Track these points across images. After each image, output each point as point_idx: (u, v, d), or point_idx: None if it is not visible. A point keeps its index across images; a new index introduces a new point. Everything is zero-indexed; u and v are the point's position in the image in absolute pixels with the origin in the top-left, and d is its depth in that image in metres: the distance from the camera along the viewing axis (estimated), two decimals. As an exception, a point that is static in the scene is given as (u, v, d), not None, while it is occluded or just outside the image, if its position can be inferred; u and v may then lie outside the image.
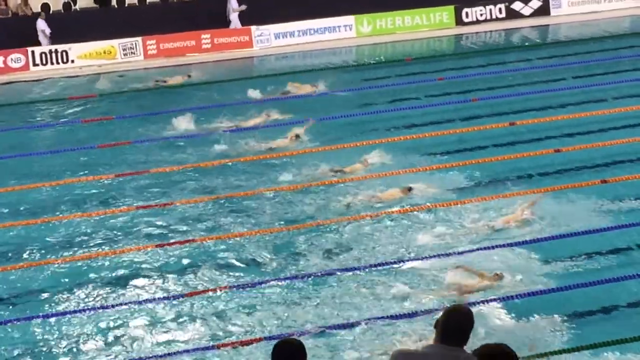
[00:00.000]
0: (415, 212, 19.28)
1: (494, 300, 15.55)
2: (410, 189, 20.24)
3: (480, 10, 36.50)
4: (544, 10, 36.90)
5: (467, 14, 36.39)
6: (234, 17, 35.82)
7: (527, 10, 36.81)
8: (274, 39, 35.01)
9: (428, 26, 36.02)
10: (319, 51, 34.19)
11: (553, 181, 21.13)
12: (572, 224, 18.40)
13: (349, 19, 35.48)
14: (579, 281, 15.97)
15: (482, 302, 15.44)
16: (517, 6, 36.73)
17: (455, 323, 8.34)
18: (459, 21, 36.29)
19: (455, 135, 24.51)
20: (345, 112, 26.43)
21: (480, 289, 15.78)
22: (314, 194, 20.74)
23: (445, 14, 36.21)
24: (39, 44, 34.64)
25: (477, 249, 17.38)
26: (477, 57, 32.24)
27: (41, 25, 34.67)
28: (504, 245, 17.48)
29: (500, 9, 36.62)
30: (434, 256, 17.24)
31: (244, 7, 35.67)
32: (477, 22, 36.47)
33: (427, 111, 26.41)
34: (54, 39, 34.63)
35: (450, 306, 8.64)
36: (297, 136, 24.05)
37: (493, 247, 17.47)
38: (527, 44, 34.21)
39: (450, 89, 28.58)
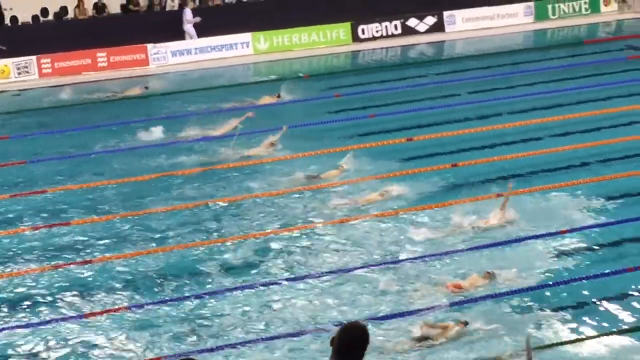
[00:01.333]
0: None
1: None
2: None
3: (377, 27, 36.79)
4: (438, 27, 37.37)
5: (363, 30, 36.65)
6: (188, 28, 35.89)
7: (422, 27, 37.23)
8: (170, 57, 34.82)
9: (325, 43, 36.19)
10: (216, 69, 34.05)
11: (449, 196, 21.43)
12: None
13: (246, 36, 35.47)
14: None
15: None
16: (412, 23, 37.13)
17: (350, 340, 8.45)
18: (356, 38, 36.54)
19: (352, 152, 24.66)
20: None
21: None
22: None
23: (342, 30, 36.42)
24: None
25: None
26: (374, 74, 32.47)
27: None
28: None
29: (395, 26, 36.97)
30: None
31: (198, 18, 35.67)
32: (374, 38, 36.76)
33: (323, 127, 26.49)
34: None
35: (345, 323, 8.72)
36: (272, 144, 24.41)
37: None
38: (423, 60, 34.59)
39: (347, 106, 28.75)
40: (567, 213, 20.06)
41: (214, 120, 27.38)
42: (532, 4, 38.41)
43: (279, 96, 29.07)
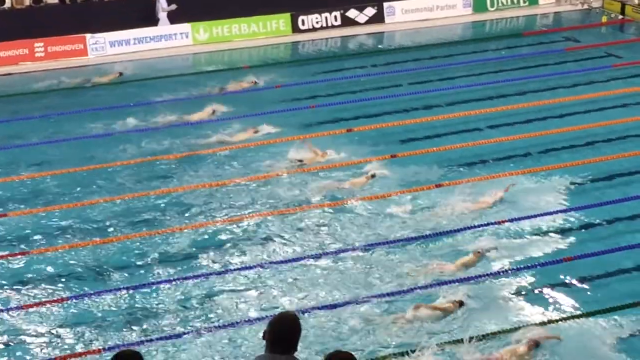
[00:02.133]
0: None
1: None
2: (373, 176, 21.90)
3: (316, 18, 36.70)
4: (378, 18, 37.36)
5: (303, 21, 36.53)
6: (162, 16, 35.53)
7: (362, 18, 37.20)
8: (109, 47, 34.42)
9: (265, 34, 36.02)
10: (155, 59, 33.75)
11: (391, 187, 21.61)
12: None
13: (185, 27, 35.17)
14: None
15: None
16: (352, 14, 37.07)
17: (282, 331, 8.47)
18: (296, 28, 36.41)
19: (295, 142, 24.71)
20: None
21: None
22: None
23: (281, 21, 36.27)
24: None
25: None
26: (314, 65, 32.40)
27: None
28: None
29: (335, 17, 36.90)
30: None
31: (174, 6, 35.31)
32: (314, 29, 36.66)
33: (265, 118, 26.43)
34: None
35: (276, 315, 8.70)
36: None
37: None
38: (363, 50, 34.56)
39: (288, 96, 28.69)
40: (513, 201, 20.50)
41: (153, 112, 27.24)
42: (471, -5, 38.59)
43: (255, 82, 29.21)
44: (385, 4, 37.33)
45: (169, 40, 35.03)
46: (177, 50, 34.60)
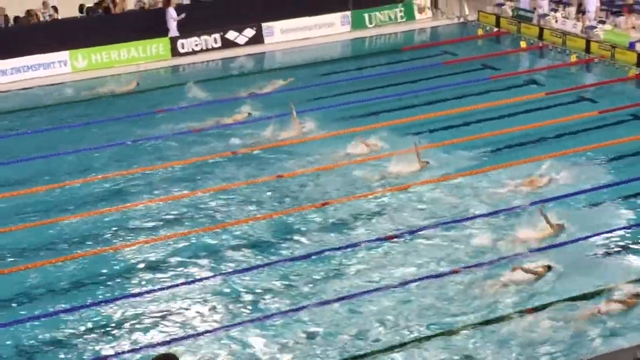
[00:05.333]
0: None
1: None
2: None
3: (196, 41, 36.58)
4: (257, 39, 37.44)
5: (182, 44, 36.39)
6: (172, 26, 36.51)
7: (241, 39, 37.22)
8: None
9: (144, 58, 35.76)
10: (35, 88, 33.23)
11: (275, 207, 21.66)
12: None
13: (63, 55, 34.71)
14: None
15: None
16: (231, 35, 37.07)
17: None
18: (175, 52, 36.24)
19: (178, 167, 24.65)
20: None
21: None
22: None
23: (160, 45, 36.08)
24: None
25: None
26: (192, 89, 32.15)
27: None
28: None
29: (215, 39, 36.84)
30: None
31: (183, 15, 36.24)
32: (194, 52, 36.54)
33: (141, 145, 26.35)
34: None
35: (158, 355, 8.77)
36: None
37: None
38: (244, 72, 34.53)
39: (167, 122, 28.48)
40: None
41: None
42: (348, 13, 38.87)
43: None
44: (264, 25, 37.43)
45: (47, 69, 34.51)
46: (56, 78, 34.07)
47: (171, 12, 36.62)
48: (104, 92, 32.13)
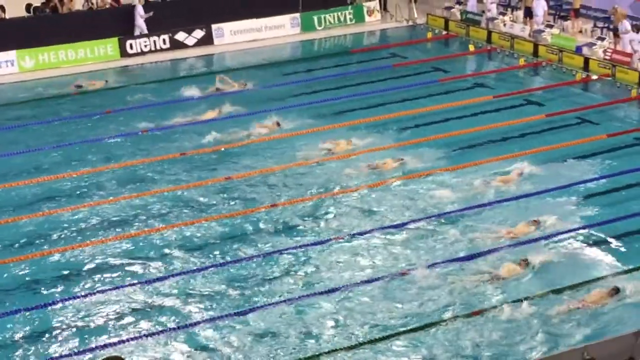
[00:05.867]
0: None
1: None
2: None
3: (145, 42, 36.40)
4: (207, 40, 37.32)
5: (131, 45, 36.19)
6: (140, 23, 36.67)
7: (190, 41, 37.09)
8: None
9: (93, 59, 35.49)
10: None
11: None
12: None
13: (11, 54, 34.40)
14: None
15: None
16: (180, 37, 36.91)
17: None
18: (124, 53, 36.02)
19: (127, 169, 24.51)
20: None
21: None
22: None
23: (109, 46, 35.84)
24: None
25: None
26: (141, 90, 31.97)
27: None
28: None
29: (164, 40, 36.67)
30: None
31: (151, 13, 36.40)
32: (142, 53, 36.35)
33: (91, 146, 26.32)
34: None
35: (103, 357, 8.89)
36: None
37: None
38: (192, 73, 34.36)
39: (117, 123, 28.32)
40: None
41: None
42: (298, 15, 38.88)
43: (278, 124, 27.67)
44: (214, 26, 37.34)
45: (-6, 69, 34.19)
46: (3, 78, 33.75)
47: (139, 10, 36.70)
48: (52, 93, 31.84)
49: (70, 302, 18.25)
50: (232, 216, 21.70)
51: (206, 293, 18.49)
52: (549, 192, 22.63)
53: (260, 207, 22.11)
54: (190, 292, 18.54)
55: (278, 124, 27.16)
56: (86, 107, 30.01)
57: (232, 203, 22.52)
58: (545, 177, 23.43)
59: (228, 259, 19.79)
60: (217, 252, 20.11)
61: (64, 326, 17.46)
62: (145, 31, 36.66)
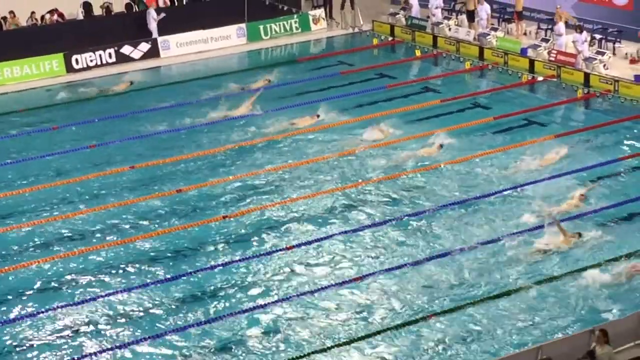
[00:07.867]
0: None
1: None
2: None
3: (90, 56, 36.12)
4: (153, 53, 37.15)
5: (77, 60, 35.92)
6: (153, 27, 37.15)
7: (137, 54, 36.88)
8: None
9: (38, 75, 35.18)
10: None
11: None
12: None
13: (-47, 72, 34.08)
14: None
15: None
16: (126, 50, 36.69)
17: None
18: (70, 68, 35.73)
19: (89, 181, 24.42)
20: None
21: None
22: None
23: (55, 61, 35.52)
24: None
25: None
26: (88, 104, 31.77)
27: None
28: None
29: (110, 54, 36.43)
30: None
31: (162, 14, 37.05)
32: (88, 68, 36.06)
33: (42, 162, 26.22)
34: None
35: None
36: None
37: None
38: (142, 87, 34.05)
39: (66, 138, 28.14)
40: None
41: None
42: (243, 25, 38.79)
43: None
44: (160, 38, 37.18)
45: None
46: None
47: (152, 13, 36.99)
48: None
49: (27, 319, 18.20)
50: (185, 228, 21.69)
51: (166, 303, 18.41)
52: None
53: (211, 219, 22.07)
54: (147, 304, 18.45)
55: None
56: (31, 125, 29.74)
57: (183, 215, 22.48)
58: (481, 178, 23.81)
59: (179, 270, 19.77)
60: (171, 264, 20.04)
61: (24, 341, 17.42)
62: (156, 35, 37.06)
